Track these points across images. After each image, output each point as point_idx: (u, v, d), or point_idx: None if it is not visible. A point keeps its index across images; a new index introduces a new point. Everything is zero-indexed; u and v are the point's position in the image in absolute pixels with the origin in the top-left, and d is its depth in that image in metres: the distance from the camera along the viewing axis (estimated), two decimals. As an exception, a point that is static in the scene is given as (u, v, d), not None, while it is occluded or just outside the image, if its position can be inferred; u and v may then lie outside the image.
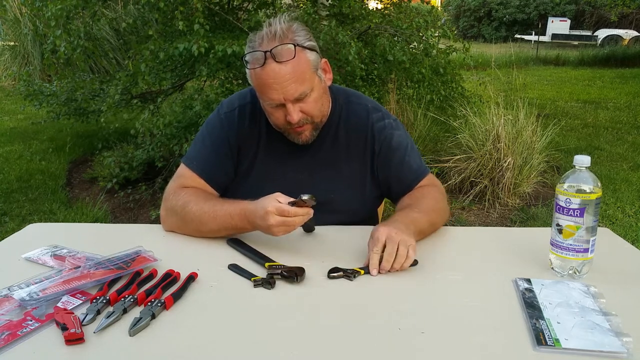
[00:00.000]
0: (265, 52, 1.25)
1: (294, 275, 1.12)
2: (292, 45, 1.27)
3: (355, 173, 1.46)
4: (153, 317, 0.98)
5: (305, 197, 1.17)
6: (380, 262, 1.15)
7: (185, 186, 1.42)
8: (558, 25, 17.49)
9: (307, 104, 1.32)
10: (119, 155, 4.05)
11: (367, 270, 1.16)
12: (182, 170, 1.45)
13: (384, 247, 1.15)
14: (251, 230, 1.30)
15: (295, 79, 1.27)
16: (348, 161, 1.46)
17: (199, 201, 1.35)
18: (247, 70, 1.32)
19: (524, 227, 3.37)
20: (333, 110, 1.44)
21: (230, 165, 1.46)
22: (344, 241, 1.31)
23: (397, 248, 1.14)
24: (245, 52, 1.31)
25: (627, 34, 16.48)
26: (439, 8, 17.36)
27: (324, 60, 1.37)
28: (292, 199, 1.19)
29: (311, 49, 1.32)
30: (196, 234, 1.36)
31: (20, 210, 3.70)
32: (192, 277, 1.12)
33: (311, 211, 1.20)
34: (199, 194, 1.39)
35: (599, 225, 1.15)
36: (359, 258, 1.25)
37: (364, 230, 1.27)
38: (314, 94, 1.33)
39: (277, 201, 1.19)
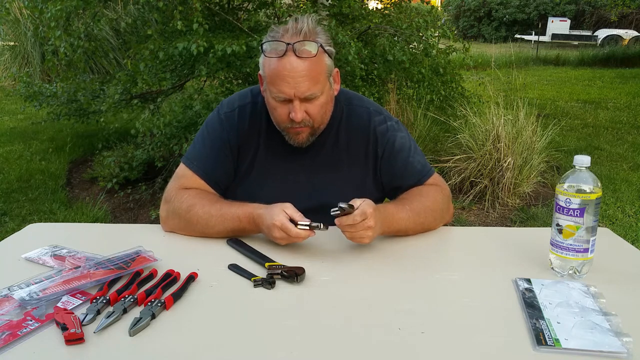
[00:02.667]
0: (288, 44, 1.26)
1: (294, 275, 1.12)
2: (316, 45, 1.28)
3: (355, 176, 1.46)
4: (153, 317, 0.98)
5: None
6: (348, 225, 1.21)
7: (185, 187, 1.42)
8: (558, 25, 17.47)
9: (313, 106, 1.33)
10: (119, 155, 4.05)
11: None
12: (182, 171, 1.45)
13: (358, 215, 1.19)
14: (258, 232, 1.32)
15: (310, 78, 1.28)
16: (349, 164, 1.46)
17: (205, 204, 1.35)
18: (262, 58, 1.32)
19: (524, 227, 3.37)
20: (334, 112, 1.44)
21: (230, 165, 1.45)
22: (344, 241, 1.31)
23: (364, 226, 1.20)
24: (265, 40, 1.31)
25: (627, 34, 16.46)
26: (439, 8, 17.34)
27: (336, 69, 1.38)
28: (305, 221, 1.21)
29: (329, 54, 1.33)
30: (200, 235, 1.37)
31: (20, 210, 3.70)
32: (192, 277, 1.13)
33: (313, 234, 1.22)
34: (203, 196, 1.39)
35: (599, 225, 1.15)
36: (359, 258, 1.26)
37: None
38: (322, 99, 1.33)
39: (285, 213, 1.22)
